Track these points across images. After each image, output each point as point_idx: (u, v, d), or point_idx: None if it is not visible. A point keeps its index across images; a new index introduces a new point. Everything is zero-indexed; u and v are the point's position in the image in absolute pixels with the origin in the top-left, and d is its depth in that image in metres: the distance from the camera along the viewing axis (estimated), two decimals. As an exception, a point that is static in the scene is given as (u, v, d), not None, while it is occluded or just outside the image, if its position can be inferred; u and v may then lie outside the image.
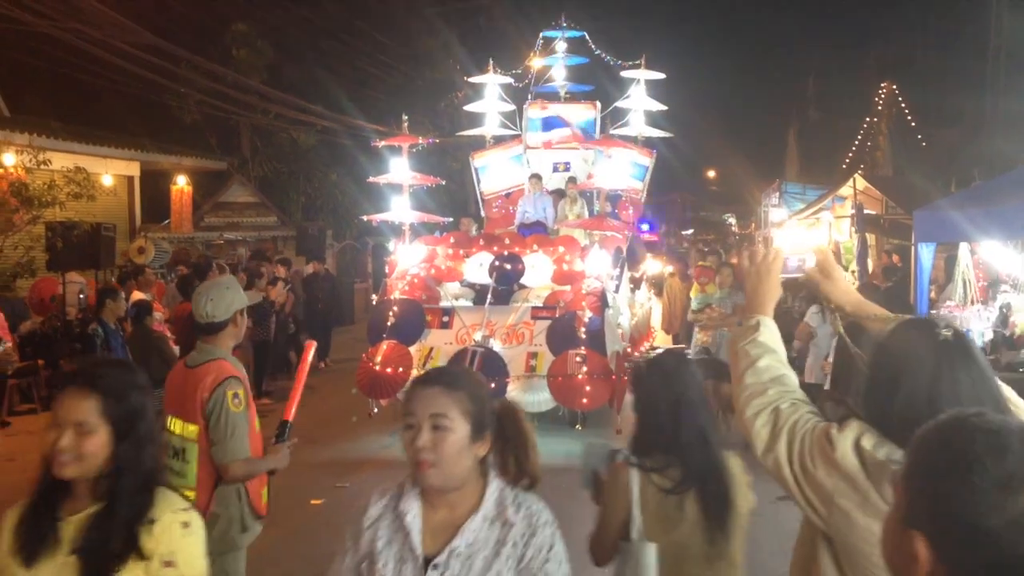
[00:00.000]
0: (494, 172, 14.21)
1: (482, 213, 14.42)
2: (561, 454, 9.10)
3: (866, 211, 16.88)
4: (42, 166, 14.73)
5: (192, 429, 3.84)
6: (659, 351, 3.43)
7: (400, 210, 12.19)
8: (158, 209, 22.19)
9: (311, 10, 26.14)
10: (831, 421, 2.07)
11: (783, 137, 40.31)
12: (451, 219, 13.54)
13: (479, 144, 14.63)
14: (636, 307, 12.50)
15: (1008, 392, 2.08)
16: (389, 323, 10.15)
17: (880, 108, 30.04)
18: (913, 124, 29.02)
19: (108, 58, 16.94)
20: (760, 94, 42.88)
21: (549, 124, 14.09)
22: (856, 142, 30.41)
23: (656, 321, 15.46)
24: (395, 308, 10.30)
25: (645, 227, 16.57)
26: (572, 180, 13.42)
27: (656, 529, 2.94)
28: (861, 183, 18.35)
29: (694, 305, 9.55)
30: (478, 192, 14.45)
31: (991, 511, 1.21)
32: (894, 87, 29.65)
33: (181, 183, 21.55)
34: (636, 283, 12.43)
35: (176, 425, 3.88)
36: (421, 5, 26.51)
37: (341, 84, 25.53)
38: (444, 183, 13.22)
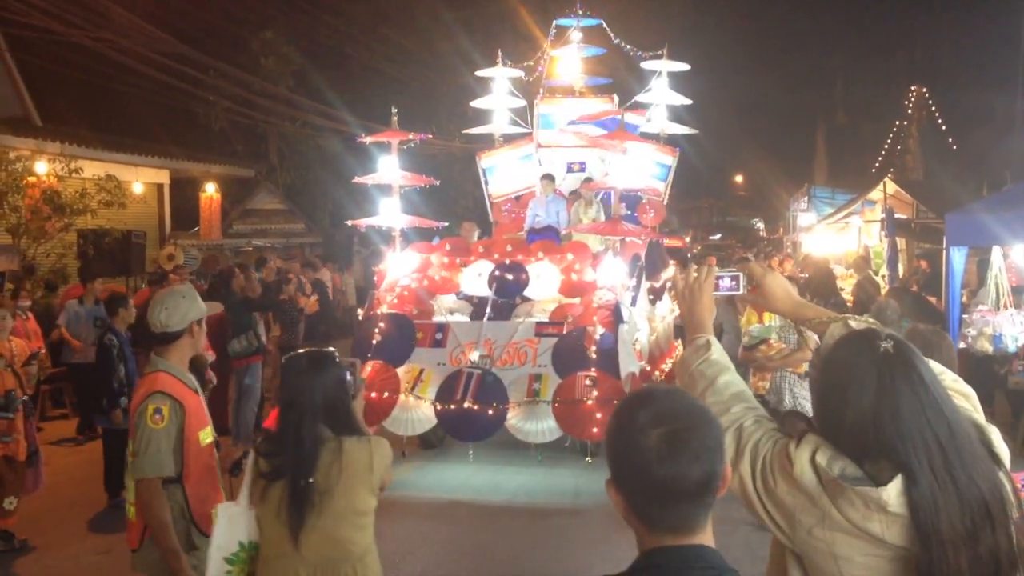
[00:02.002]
0: (503, 173, 13.08)
1: (491, 218, 13.40)
2: (568, 492, 8.58)
3: (896, 215, 16.70)
4: (73, 174, 14.91)
5: (132, 444, 3.78)
6: (310, 349, 3.59)
7: (389, 214, 10.91)
8: (187, 216, 22.39)
9: (336, 18, 26.31)
10: (791, 437, 2.06)
11: (811, 141, 40.02)
12: (447, 223, 12.17)
13: (487, 143, 13.55)
14: (656, 321, 11.22)
15: (960, 400, 2.07)
16: (375, 341, 9.05)
17: (910, 111, 29.77)
18: (944, 127, 28.73)
19: (137, 67, 17.12)
20: (787, 97, 42.51)
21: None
22: (886, 146, 30.15)
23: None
24: (382, 324, 9.20)
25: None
26: (588, 181, 12.34)
27: (255, 500, 3.37)
28: (891, 187, 18.17)
29: (747, 339, 7.41)
30: (486, 195, 13.31)
31: (635, 450, 1.64)
32: (924, 90, 29.38)
33: (210, 190, 21.74)
34: (657, 294, 11.37)
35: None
36: (443, 11, 26.52)
37: (366, 91, 25.67)
38: (437, 183, 11.78)
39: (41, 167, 14.80)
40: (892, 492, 1.85)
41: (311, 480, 3.27)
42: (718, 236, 47.67)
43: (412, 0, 27.17)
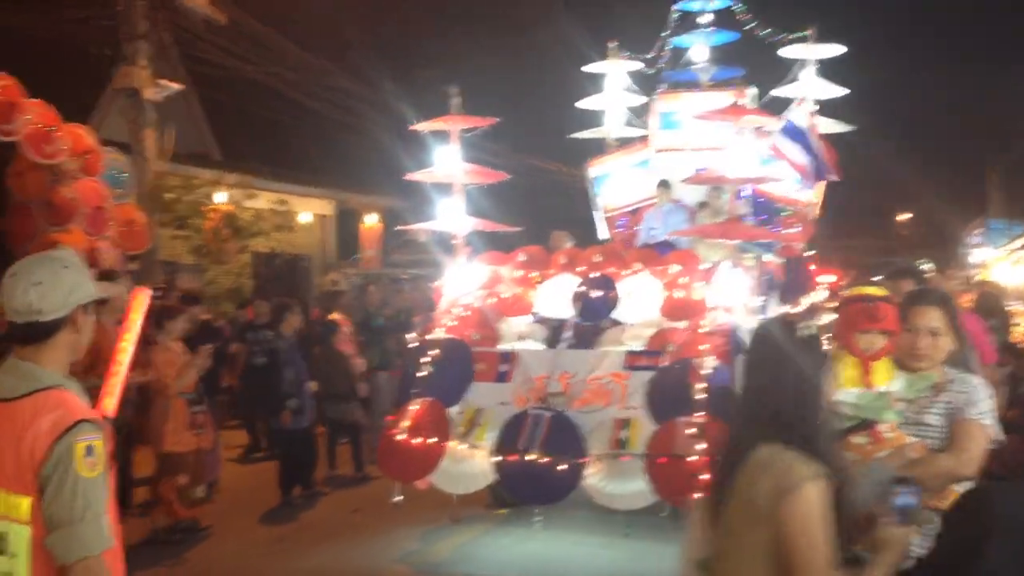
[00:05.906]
0: (616, 183, 11.49)
1: (602, 235, 11.54)
2: (666, 578, 7.25)
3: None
4: (247, 201, 15.84)
5: (17, 503, 2.36)
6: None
7: (451, 216, 8.80)
8: (351, 244, 23.26)
9: (490, 56, 26.85)
10: None
11: (981, 172, 38.01)
12: (521, 228, 9.90)
13: (597, 149, 11.91)
14: None
15: None
16: (423, 373, 7.30)
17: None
18: None
19: (304, 101, 18.04)
20: (954, 127, 40.42)
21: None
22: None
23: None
24: (434, 352, 7.42)
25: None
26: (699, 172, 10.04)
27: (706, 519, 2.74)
28: (1079, 210, 16.96)
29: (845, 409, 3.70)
30: (598, 208, 11.63)
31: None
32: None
33: (372, 221, 22.52)
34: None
35: None
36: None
37: (530, 121, 25.88)
38: (508, 177, 9.51)
39: (220, 197, 15.78)
40: None
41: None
42: (881, 278, 45.67)
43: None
